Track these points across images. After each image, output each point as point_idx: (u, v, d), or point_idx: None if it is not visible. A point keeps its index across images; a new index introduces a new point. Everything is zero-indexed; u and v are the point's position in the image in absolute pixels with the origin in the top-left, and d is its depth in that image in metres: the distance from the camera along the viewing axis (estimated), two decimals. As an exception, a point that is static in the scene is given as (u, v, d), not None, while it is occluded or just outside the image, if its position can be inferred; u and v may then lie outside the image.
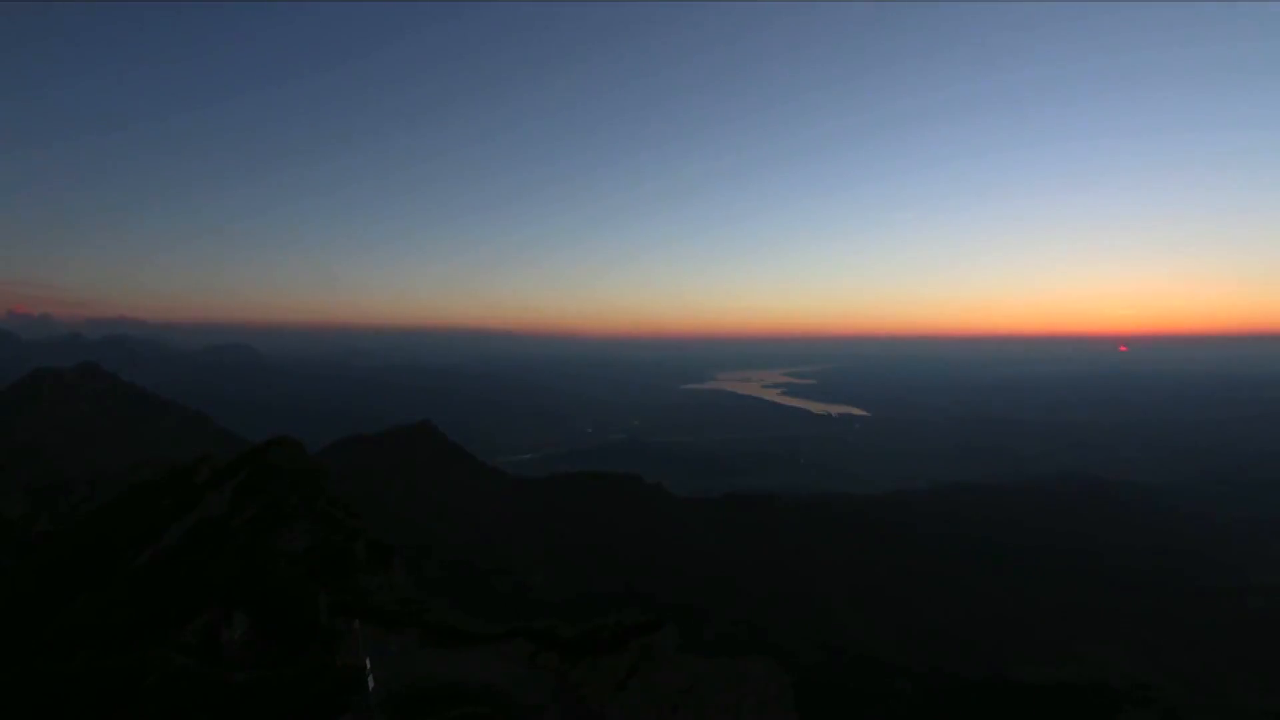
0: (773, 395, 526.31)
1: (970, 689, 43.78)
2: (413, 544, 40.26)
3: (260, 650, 18.33)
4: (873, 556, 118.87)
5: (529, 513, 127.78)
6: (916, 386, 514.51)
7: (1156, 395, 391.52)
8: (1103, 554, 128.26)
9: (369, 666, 16.71)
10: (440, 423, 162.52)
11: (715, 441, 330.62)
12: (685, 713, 19.06)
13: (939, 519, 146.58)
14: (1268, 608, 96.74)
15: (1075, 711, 40.60)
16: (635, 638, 21.57)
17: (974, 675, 49.82)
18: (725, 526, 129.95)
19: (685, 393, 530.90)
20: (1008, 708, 39.80)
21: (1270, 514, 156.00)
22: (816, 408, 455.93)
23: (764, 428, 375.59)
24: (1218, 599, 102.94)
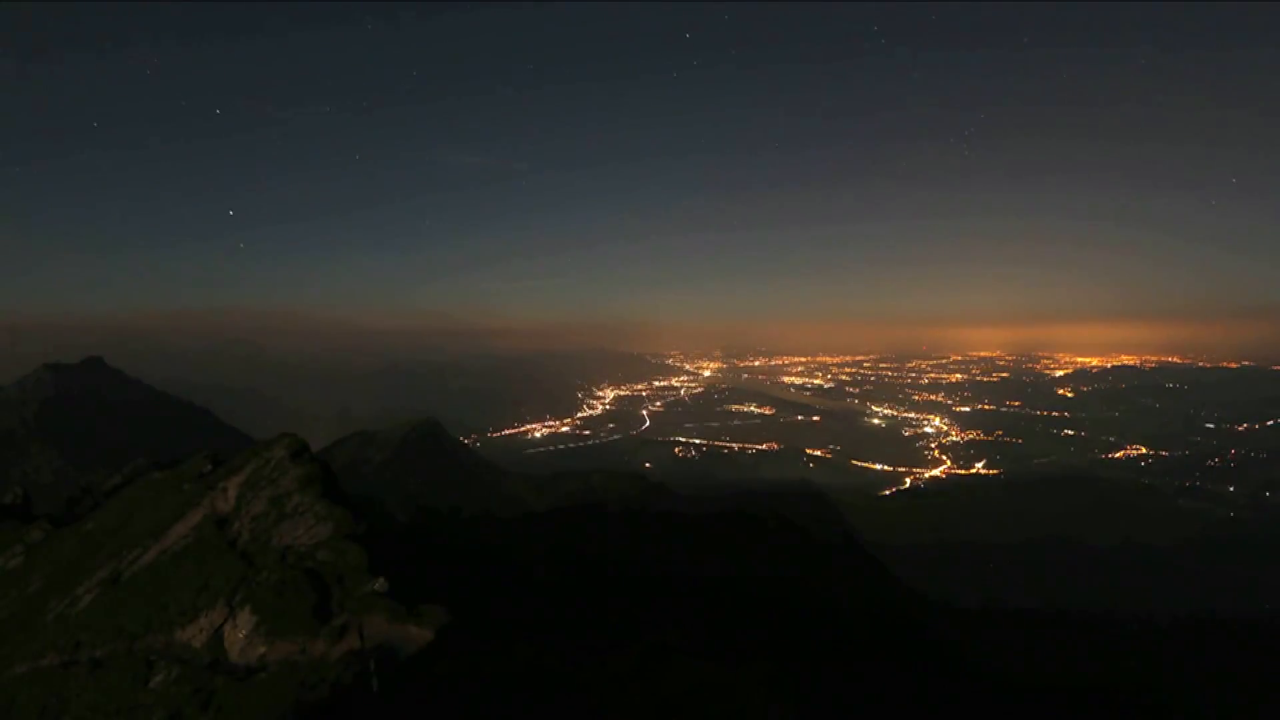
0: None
1: (974, 690, 43.87)
2: (416, 542, 40.48)
3: (264, 649, 18.29)
4: (880, 555, 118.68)
5: (531, 510, 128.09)
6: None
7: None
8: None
9: (374, 668, 16.64)
10: (444, 419, 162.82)
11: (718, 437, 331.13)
12: (689, 714, 18.94)
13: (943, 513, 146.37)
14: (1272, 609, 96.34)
15: (1079, 713, 40.55)
16: (640, 637, 21.49)
17: (979, 675, 49.88)
18: (730, 524, 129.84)
19: (689, 391, 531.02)
20: (1012, 709, 39.87)
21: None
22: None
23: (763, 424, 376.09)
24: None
